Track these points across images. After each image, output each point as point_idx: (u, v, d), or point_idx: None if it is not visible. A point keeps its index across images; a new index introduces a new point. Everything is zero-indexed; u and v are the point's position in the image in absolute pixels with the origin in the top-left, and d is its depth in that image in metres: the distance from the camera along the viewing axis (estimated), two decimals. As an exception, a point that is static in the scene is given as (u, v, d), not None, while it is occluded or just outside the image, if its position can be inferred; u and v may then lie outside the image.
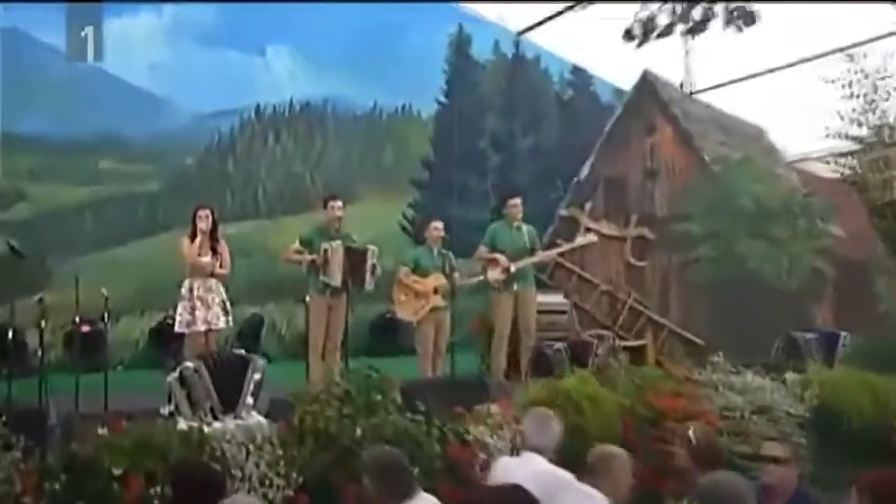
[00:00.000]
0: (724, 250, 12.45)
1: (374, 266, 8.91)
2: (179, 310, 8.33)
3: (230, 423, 6.51)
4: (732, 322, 11.76)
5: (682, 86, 14.28)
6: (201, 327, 8.21)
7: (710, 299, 12.48)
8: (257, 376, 6.89)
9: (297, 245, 9.02)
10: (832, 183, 13.45)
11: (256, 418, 6.66)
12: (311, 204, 13.97)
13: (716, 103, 14.27)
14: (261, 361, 7.00)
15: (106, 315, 8.46)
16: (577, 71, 16.55)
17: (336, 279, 8.68)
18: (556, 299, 11.21)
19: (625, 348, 10.48)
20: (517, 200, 9.83)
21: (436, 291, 9.39)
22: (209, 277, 8.30)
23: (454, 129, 15.57)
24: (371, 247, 8.96)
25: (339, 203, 8.98)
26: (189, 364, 6.82)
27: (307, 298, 8.93)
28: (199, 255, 8.24)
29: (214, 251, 8.34)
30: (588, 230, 11.93)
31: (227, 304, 8.43)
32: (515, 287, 9.63)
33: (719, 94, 14.61)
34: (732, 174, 12.86)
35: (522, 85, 16.24)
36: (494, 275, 9.56)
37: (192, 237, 8.31)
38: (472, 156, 15.78)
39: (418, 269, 9.52)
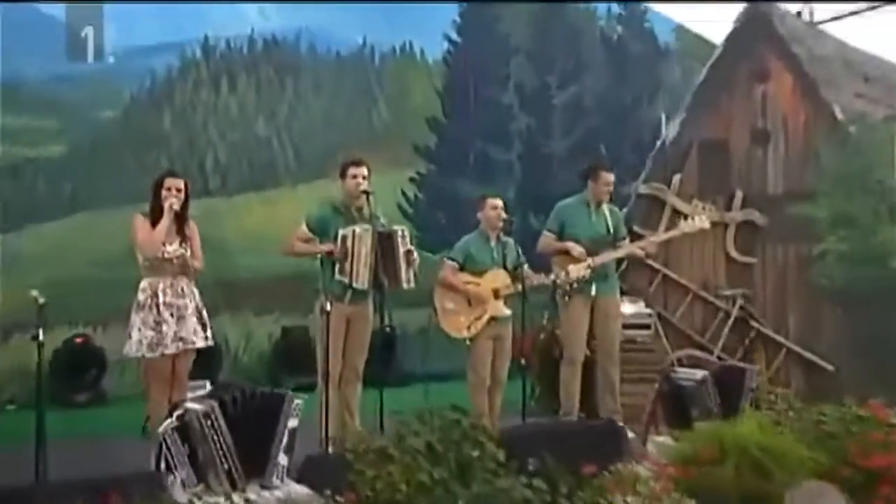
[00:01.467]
0: (861, 242, 9.66)
1: (408, 253, 6.84)
2: (136, 323, 6.32)
3: (258, 494, 5.21)
4: (871, 341, 9.32)
5: (799, 15, 10.74)
6: (171, 348, 6.28)
7: (841, 309, 9.71)
8: (293, 423, 5.46)
9: (303, 229, 6.91)
10: None
11: (294, 487, 5.35)
12: (278, 177, 11.17)
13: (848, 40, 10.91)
14: (297, 401, 5.53)
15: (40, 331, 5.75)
16: (628, 4, 13.24)
17: (362, 278, 6.72)
18: (636, 308, 9.08)
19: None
20: (611, 176, 7.69)
21: (496, 295, 7.33)
22: (179, 276, 6.44)
23: (469, 79, 12.09)
24: (399, 227, 6.96)
25: (364, 170, 6.90)
26: (194, 406, 5.24)
27: (317, 306, 6.74)
28: (165, 244, 6.37)
29: (182, 238, 6.49)
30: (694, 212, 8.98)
31: (204, 312, 6.54)
32: (594, 291, 7.57)
33: (848, 26, 11.38)
34: (874, 138, 9.85)
35: (558, 21, 12.89)
36: (577, 272, 7.44)
37: (154, 218, 6.41)
38: (494, 115, 12.30)
39: (470, 265, 7.42)
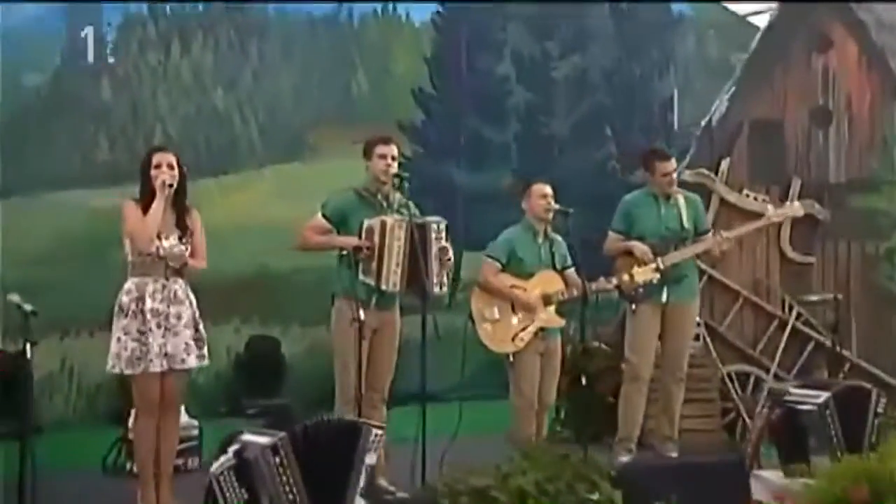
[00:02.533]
0: None
1: (442, 251, 5.92)
2: (118, 333, 5.41)
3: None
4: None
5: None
6: (156, 365, 5.36)
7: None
8: (370, 459, 4.54)
9: (320, 219, 6.00)
10: None
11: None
12: (238, 159, 9.59)
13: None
14: (375, 431, 4.59)
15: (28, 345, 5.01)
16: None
17: (394, 279, 5.82)
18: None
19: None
20: (668, 165, 7.00)
21: (547, 302, 6.44)
22: (173, 277, 5.50)
23: (461, 45, 10.50)
24: (434, 218, 6.03)
25: (394, 149, 6.08)
26: (255, 439, 4.29)
27: (334, 313, 6.00)
28: (161, 236, 5.46)
29: (183, 230, 5.58)
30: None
31: (200, 325, 5.60)
32: (664, 296, 6.83)
33: None
34: None
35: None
36: (644, 275, 6.72)
37: (145, 203, 5.48)
38: (488, 88, 10.71)
39: (514, 266, 6.51)
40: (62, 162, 8.67)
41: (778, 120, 8.80)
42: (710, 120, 8.81)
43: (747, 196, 8.29)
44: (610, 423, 7.16)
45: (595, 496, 4.85)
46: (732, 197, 8.26)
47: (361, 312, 5.61)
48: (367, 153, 6.05)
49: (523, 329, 6.43)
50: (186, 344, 5.51)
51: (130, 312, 5.41)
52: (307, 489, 4.42)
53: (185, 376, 5.66)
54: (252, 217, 9.28)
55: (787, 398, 6.06)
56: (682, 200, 7.02)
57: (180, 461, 6.45)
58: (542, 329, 6.46)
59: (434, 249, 5.89)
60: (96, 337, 7.66)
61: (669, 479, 5.11)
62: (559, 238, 6.67)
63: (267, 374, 9.06)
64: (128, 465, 6.56)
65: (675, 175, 6.97)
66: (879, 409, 6.00)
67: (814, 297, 7.87)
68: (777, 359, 8.18)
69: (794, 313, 8.33)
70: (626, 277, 6.66)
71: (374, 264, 5.81)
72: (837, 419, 5.88)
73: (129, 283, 5.47)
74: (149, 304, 5.41)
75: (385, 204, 6.01)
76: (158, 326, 5.41)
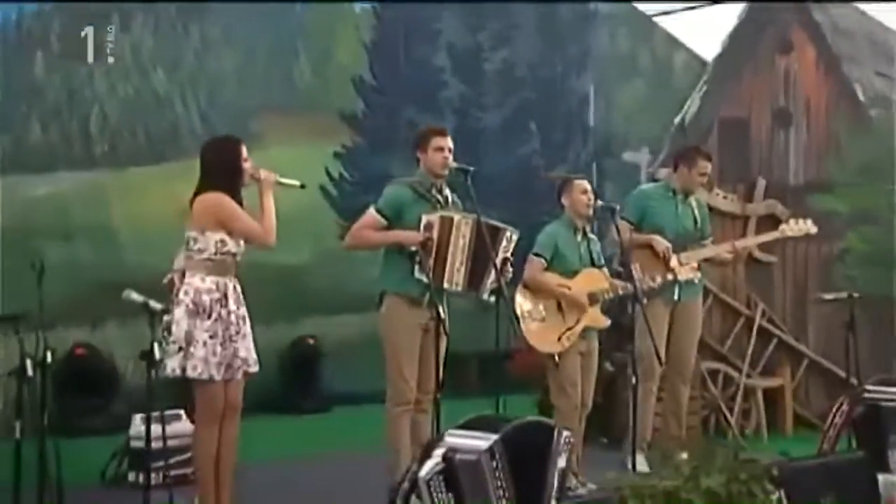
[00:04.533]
0: (882, 242, 8.87)
1: (506, 262, 5.79)
2: (201, 336, 4.98)
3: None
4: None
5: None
6: (240, 373, 5.11)
7: (865, 316, 8.36)
8: (562, 462, 4.41)
9: (374, 215, 5.75)
10: None
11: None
12: (183, 146, 9.05)
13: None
14: (566, 433, 4.49)
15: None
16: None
17: (457, 278, 5.69)
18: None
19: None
20: (708, 165, 7.07)
21: (592, 301, 6.30)
22: (235, 277, 5.22)
23: (400, 33, 10.31)
24: (506, 226, 5.84)
25: (450, 142, 5.81)
26: (464, 443, 4.15)
27: (384, 310, 5.80)
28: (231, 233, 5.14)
29: None
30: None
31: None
32: (676, 295, 6.83)
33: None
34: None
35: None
36: (686, 273, 6.77)
37: (238, 198, 5.16)
38: (425, 78, 10.53)
39: (558, 263, 6.31)
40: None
41: (744, 119, 8.92)
42: (682, 118, 8.86)
43: (717, 195, 8.38)
44: (599, 423, 7.18)
45: (775, 496, 4.83)
46: (704, 196, 8.31)
47: (424, 311, 5.52)
48: (422, 146, 5.79)
49: (569, 329, 6.25)
50: (249, 349, 5.26)
51: (216, 315, 5.04)
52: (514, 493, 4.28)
53: (244, 383, 5.35)
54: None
55: (870, 395, 6.21)
56: (694, 202, 7.07)
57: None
58: (587, 328, 6.31)
59: (500, 257, 5.73)
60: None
61: (822, 478, 5.17)
62: (594, 236, 6.56)
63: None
64: (130, 476, 6.19)
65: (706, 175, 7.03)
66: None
67: (829, 296, 8.11)
68: (749, 356, 8.35)
69: (759, 310, 8.54)
70: (669, 276, 6.60)
71: (431, 261, 5.59)
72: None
73: (209, 283, 5.06)
74: (232, 306, 5.09)
75: (440, 199, 5.79)
76: (237, 332, 5.11)
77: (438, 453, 4.12)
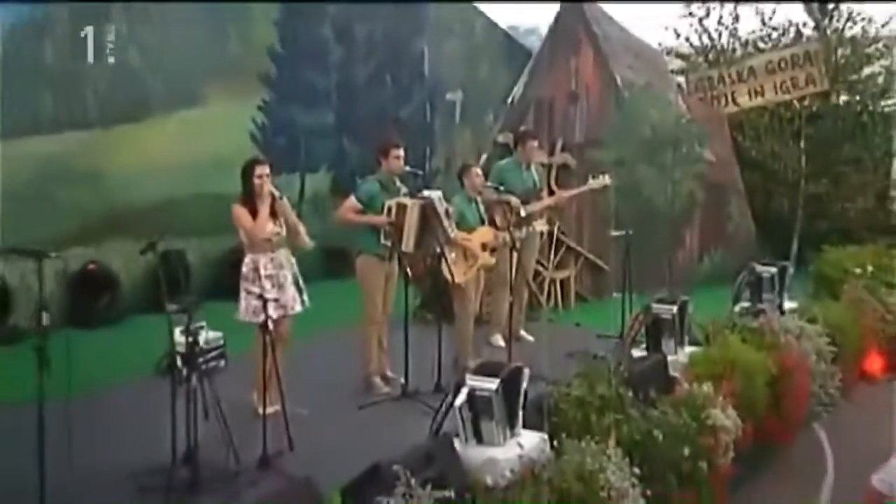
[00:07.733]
0: (626, 179, 12.27)
1: (447, 212, 8.02)
2: (243, 294, 7.02)
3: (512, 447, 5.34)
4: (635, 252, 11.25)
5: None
6: (273, 314, 6.78)
7: (616, 229, 11.96)
8: (524, 385, 5.63)
9: (353, 202, 7.84)
10: (702, 106, 13.21)
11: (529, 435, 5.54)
12: (152, 108, 11.30)
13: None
14: (526, 370, 5.65)
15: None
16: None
17: (409, 244, 7.73)
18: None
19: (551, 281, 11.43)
20: (535, 143, 9.73)
21: (484, 248, 8.69)
22: (278, 249, 7.13)
23: (300, 15, 13.13)
24: (434, 193, 7.93)
25: (402, 150, 7.89)
26: (478, 384, 5.39)
27: (359, 264, 7.94)
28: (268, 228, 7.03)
29: (275, 216, 7.10)
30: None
31: (300, 279, 7.24)
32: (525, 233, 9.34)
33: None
34: (636, 101, 12.74)
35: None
36: (540, 225, 9.55)
37: (247, 203, 7.01)
38: (316, 46, 13.46)
39: (464, 224, 8.57)
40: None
41: (551, 99, 12.49)
42: (513, 98, 12.45)
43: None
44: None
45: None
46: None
47: (386, 264, 7.79)
48: (384, 153, 7.83)
49: (470, 268, 8.56)
50: (293, 296, 7.13)
51: (251, 279, 6.98)
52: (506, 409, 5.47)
53: (292, 320, 7.24)
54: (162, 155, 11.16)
55: (654, 310, 7.98)
56: (533, 168, 9.63)
57: (214, 363, 8.21)
58: (482, 266, 8.70)
59: (442, 209, 7.86)
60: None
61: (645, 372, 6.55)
62: (481, 202, 8.83)
63: (178, 277, 10.16)
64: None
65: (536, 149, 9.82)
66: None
67: (616, 233, 10.87)
68: (550, 258, 11.62)
69: (556, 227, 11.58)
70: (530, 229, 9.37)
71: (394, 232, 7.64)
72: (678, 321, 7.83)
73: (247, 258, 7.04)
74: (262, 272, 6.99)
75: (396, 189, 7.91)
76: (272, 286, 6.96)
77: (464, 391, 5.34)
